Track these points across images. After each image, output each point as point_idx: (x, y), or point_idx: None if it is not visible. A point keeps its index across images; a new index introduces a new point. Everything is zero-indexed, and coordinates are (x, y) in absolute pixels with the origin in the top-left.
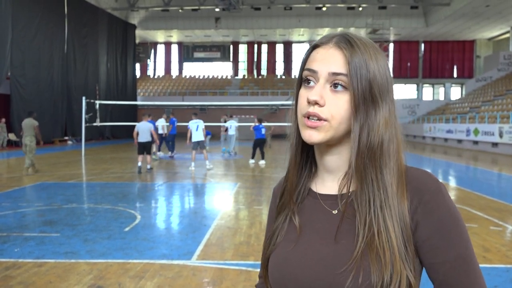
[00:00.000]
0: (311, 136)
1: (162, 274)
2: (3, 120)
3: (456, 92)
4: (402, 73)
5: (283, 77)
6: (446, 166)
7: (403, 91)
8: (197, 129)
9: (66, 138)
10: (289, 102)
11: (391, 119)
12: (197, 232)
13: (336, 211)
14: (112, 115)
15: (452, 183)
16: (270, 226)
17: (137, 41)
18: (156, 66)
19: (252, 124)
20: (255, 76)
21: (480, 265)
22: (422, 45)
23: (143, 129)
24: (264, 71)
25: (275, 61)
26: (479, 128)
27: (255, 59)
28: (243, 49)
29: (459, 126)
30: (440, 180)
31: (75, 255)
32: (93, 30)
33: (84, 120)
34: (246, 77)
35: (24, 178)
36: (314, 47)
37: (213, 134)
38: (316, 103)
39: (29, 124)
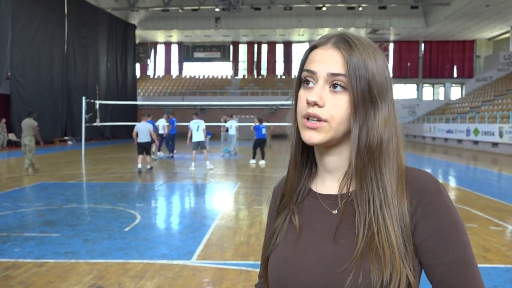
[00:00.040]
0: (311, 137)
1: (162, 274)
2: (3, 120)
3: (456, 92)
4: (402, 73)
5: (283, 77)
6: (446, 166)
7: (403, 91)
8: (197, 129)
9: (66, 138)
10: (289, 102)
11: (390, 119)
12: (197, 232)
13: (336, 211)
14: (112, 115)
15: (452, 183)
16: (270, 226)
17: (137, 41)
18: (156, 66)
19: (252, 124)
20: (255, 76)
21: (480, 265)
22: (422, 45)
23: (142, 130)
24: (264, 71)
25: (275, 61)
26: (479, 128)
27: (255, 59)
28: (243, 49)
29: (459, 126)
30: (440, 180)
31: (75, 255)
32: (93, 30)
33: (84, 120)
34: (246, 77)
35: (24, 178)
36: (312, 48)
37: (213, 134)
38: (315, 104)
39: (28, 124)
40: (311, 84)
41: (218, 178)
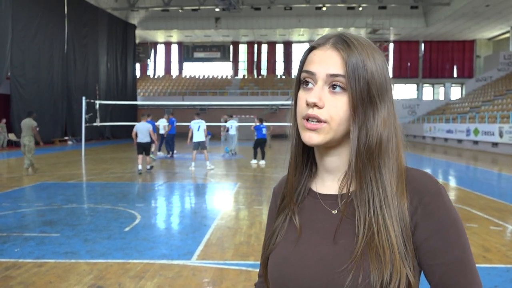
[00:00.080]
0: (311, 138)
1: (162, 274)
2: (4, 120)
3: (456, 92)
4: (402, 73)
5: (283, 77)
6: (446, 166)
7: (403, 91)
8: (198, 129)
9: (66, 138)
10: (289, 102)
11: (390, 119)
12: (197, 232)
13: (336, 211)
14: (112, 115)
15: (452, 183)
16: (270, 225)
17: (137, 41)
18: (156, 66)
19: (253, 124)
20: (255, 76)
21: (480, 265)
22: (422, 45)
23: (142, 130)
24: (264, 71)
25: (275, 61)
26: (479, 128)
27: (255, 59)
28: (243, 49)
29: (459, 126)
30: (440, 180)
31: (75, 255)
32: (93, 30)
33: (84, 120)
34: (246, 77)
35: (24, 178)
36: (311, 48)
37: (213, 134)
38: (315, 105)
39: (28, 124)
40: (310, 85)
41: (218, 178)
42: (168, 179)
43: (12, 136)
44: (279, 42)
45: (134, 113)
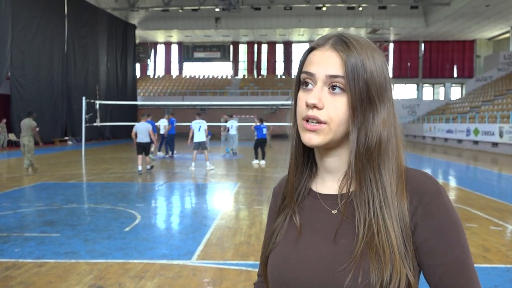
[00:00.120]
0: (311, 139)
1: (162, 274)
2: (4, 120)
3: (456, 92)
4: (402, 73)
5: (283, 77)
6: (446, 166)
7: (403, 91)
8: (199, 129)
9: (66, 138)
10: (289, 102)
11: (389, 119)
12: (197, 232)
13: (336, 211)
14: (112, 115)
15: (452, 183)
16: (270, 225)
17: (137, 41)
18: (156, 66)
19: (253, 124)
20: (255, 76)
21: (480, 265)
22: (422, 45)
23: (142, 130)
24: (264, 71)
25: (275, 61)
26: (479, 128)
27: (255, 59)
28: (243, 49)
29: (459, 126)
30: (440, 180)
31: (75, 255)
32: (93, 30)
33: (84, 120)
34: (246, 77)
35: (24, 178)
36: (310, 49)
37: (213, 134)
38: (314, 106)
39: (27, 124)
40: (310, 86)
41: (218, 178)
42: (168, 179)
43: (12, 136)
44: (279, 42)
45: (134, 113)
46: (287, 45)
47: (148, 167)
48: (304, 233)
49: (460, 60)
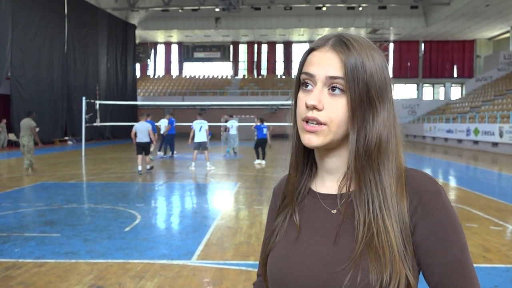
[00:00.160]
0: (311, 140)
1: (162, 274)
2: (4, 120)
3: (456, 92)
4: (402, 73)
5: (283, 77)
6: (446, 166)
7: (403, 91)
8: (200, 129)
9: (66, 138)
10: (289, 102)
11: (389, 120)
12: (197, 232)
13: (335, 211)
14: (112, 115)
15: (452, 183)
16: (269, 225)
17: (137, 41)
18: (156, 66)
19: (253, 124)
20: (255, 76)
21: (480, 265)
22: (422, 45)
23: (141, 129)
24: (264, 71)
25: (275, 61)
26: (479, 128)
27: (255, 59)
28: (243, 49)
29: (459, 126)
30: (441, 180)
31: (75, 255)
32: (93, 30)
33: (84, 120)
34: (246, 77)
35: (24, 178)
36: (310, 50)
37: (213, 134)
38: (314, 107)
39: (27, 124)
40: (310, 87)
41: (218, 178)
42: (168, 179)
43: (12, 136)
44: (279, 42)
45: (134, 113)
46: (287, 45)
47: (148, 167)
48: (304, 232)
49: (460, 60)
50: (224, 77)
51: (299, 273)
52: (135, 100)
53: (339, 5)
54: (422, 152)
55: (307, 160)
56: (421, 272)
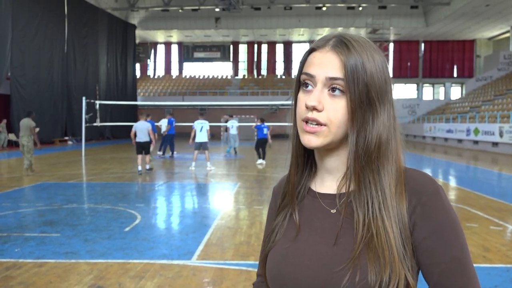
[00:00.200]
0: (310, 141)
1: (162, 274)
2: (4, 121)
3: (456, 92)
4: (402, 73)
5: (283, 77)
6: (446, 165)
7: (403, 91)
8: (201, 130)
9: (66, 138)
10: (289, 102)
11: (389, 121)
12: (197, 232)
13: (335, 210)
14: (112, 115)
15: (452, 182)
16: (269, 224)
17: (137, 41)
18: (156, 66)
19: (254, 124)
20: (255, 76)
21: (480, 265)
22: (422, 44)
23: (141, 129)
24: (264, 71)
25: (275, 61)
26: (479, 128)
27: (255, 59)
28: (243, 49)
29: (459, 126)
30: (441, 180)
31: (75, 255)
32: (93, 30)
33: (84, 120)
34: (246, 77)
35: (24, 178)
36: (311, 50)
37: (213, 134)
38: (314, 108)
39: (26, 124)
40: (310, 87)
41: (219, 178)
42: (168, 179)
43: (12, 136)
44: (279, 42)
45: (134, 113)
46: (287, 45)
47: (147, 167)
48: (303, 231)
49: (460, 60)
50: (224, 77)
51: (298, 273)
52: (135, 100)
53: (339, 5)
54: (422, 152)
55: (307, 160)
56: (420, 272)
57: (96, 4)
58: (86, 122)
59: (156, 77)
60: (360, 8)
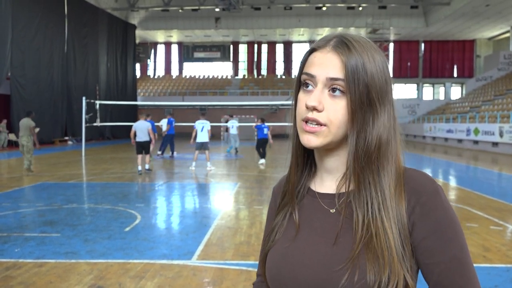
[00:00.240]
0: (310, 141)
1: (163, 274)
2: (4, 121)
3: (456, 92)
4: (402, 73)
5: (283, 77)
6: (447, 165)
7: (403, 91)
8: (202, 129)
9: (66, 138)
10: (289, 102)
11: (389, 122)
12: (197, 232)
13: (334, 210)
14: (112, 115)
15: (453, 182)
16: (269, 223)
17: (137, 41)
18: (156, 66)
19: (254, 124)
20: (255, 76)
21: (480, 265)
22: (422, 44)
23: (141, 128)
24: (264, 71)
25: (275, 61)
26: (479, 128)
27: (255, 59)
28: (243, 49)
29: (459, 126)
30: (441, 180)
31: (75, 255)
32: (93, 30)
33: (84, 120)
34: (246, 77)
35: (24, 178)
36: (311, 50)
37: (213, 134)
38: (314, 108)
39: (25, 124)
40: (310, 87)
41: (219, 178)
42: (168, 179)
43: (12, 136)
44: (279, 42)
45: (134, 113)
46: (287, 45)
47: (147, 167)
48: (303, 231)
49: (460, 60)
50: (224, 77)
51: (297, 272)
52: (135, 100)
53: (339, 5)
54: (422, 152)
55: (306, 159)
56: (420, 272)
57: (96, 4)
58: (86, 122)
59: (156, 77)
60: (360, 8)
